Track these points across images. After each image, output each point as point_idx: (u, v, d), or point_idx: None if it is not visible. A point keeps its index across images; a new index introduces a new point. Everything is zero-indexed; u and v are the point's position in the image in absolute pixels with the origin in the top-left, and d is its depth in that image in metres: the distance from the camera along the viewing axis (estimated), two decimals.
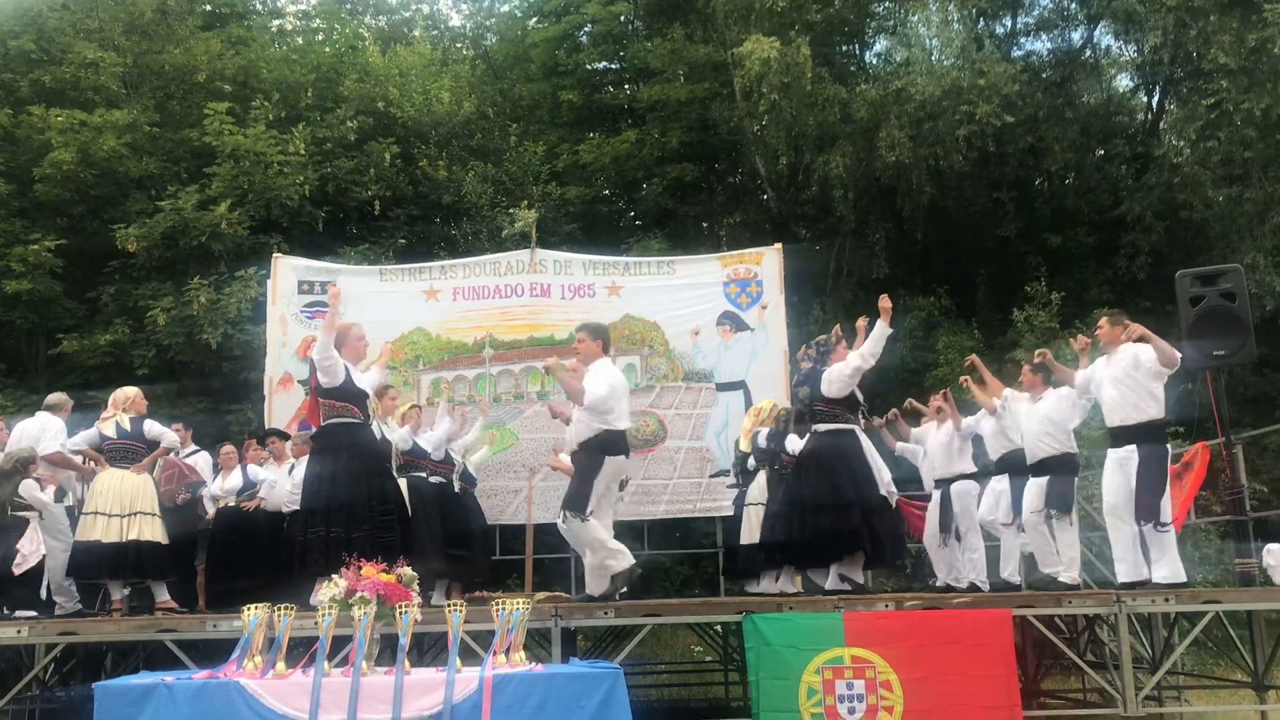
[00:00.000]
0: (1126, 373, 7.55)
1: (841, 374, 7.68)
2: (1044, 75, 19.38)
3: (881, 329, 7.55)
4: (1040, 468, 8.25)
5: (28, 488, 8.12)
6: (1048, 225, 18.75)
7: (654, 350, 11.53)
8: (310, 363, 7.57)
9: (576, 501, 7.25)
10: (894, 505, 8.12)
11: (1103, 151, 19.84)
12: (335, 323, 7.39)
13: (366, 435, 7.64)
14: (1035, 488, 8.30)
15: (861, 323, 7.99)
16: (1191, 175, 16.71)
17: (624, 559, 7.34)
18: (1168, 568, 7.35)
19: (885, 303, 7.62)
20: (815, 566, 8.26)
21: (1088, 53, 20.36)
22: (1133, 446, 7.49)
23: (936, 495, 9.34)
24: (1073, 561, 8.09)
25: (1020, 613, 7.04)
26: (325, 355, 7.26)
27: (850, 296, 18.58)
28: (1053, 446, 8.15)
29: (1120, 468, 7.55)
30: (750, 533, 9.36)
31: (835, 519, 7.60)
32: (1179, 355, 7.45)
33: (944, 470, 9.27)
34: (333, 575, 5.61)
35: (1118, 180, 19.01)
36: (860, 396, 7.94)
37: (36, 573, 8.10)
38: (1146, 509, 7.36)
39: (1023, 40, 20.52)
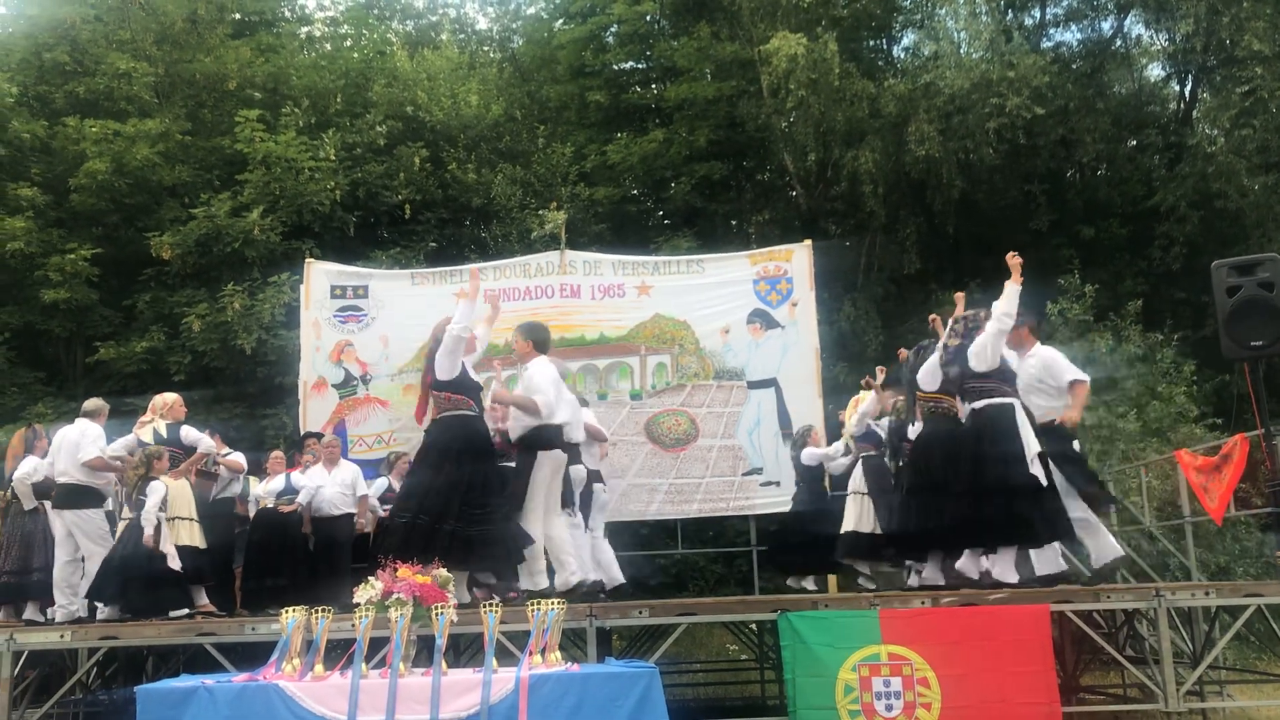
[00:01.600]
0: (1035, 377, 7.64)
1: (983, 345, 7.47)
2: (1074, 66, 19.22)
3: (1012, 288, 7.40)
4: None
5: (154, 487, 8.26)
6: (1080, 217, 18.59)
7: (684, 349, 11.51)
8: (429, 355, 7.53)
9: (515, 500, 7.26)
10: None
11: (1135, 142, 19.67)
12: (477, 297, 7.42)
13: (482, 429, 7.66)
14: None
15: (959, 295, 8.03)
16: (1226, 164, 16.51)
17: (566, 573, 7.36)
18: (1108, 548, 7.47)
19: (1014, 259, 7.46)
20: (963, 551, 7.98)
21: (1118, 42, 20.19)
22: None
23: None
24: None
25: (1058, 608, 6.98)
26: (463, 329, 7.27)
27: (881, 292, 18.50)
28: None
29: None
30: (856, 521, 9.28)
31: (981, 507, 7.43)
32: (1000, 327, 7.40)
33: None
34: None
35: (1151, 170, 18.83)
36: (1014, 365, 7.76)
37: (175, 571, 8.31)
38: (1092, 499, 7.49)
39: (1052, 31, 20.39)
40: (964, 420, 7.72)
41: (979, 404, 7.51)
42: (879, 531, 9.05)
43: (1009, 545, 7.42)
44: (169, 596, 8.14)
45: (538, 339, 7.74)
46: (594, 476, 8.85)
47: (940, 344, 7.94)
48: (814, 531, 9.88)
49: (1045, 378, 7.62)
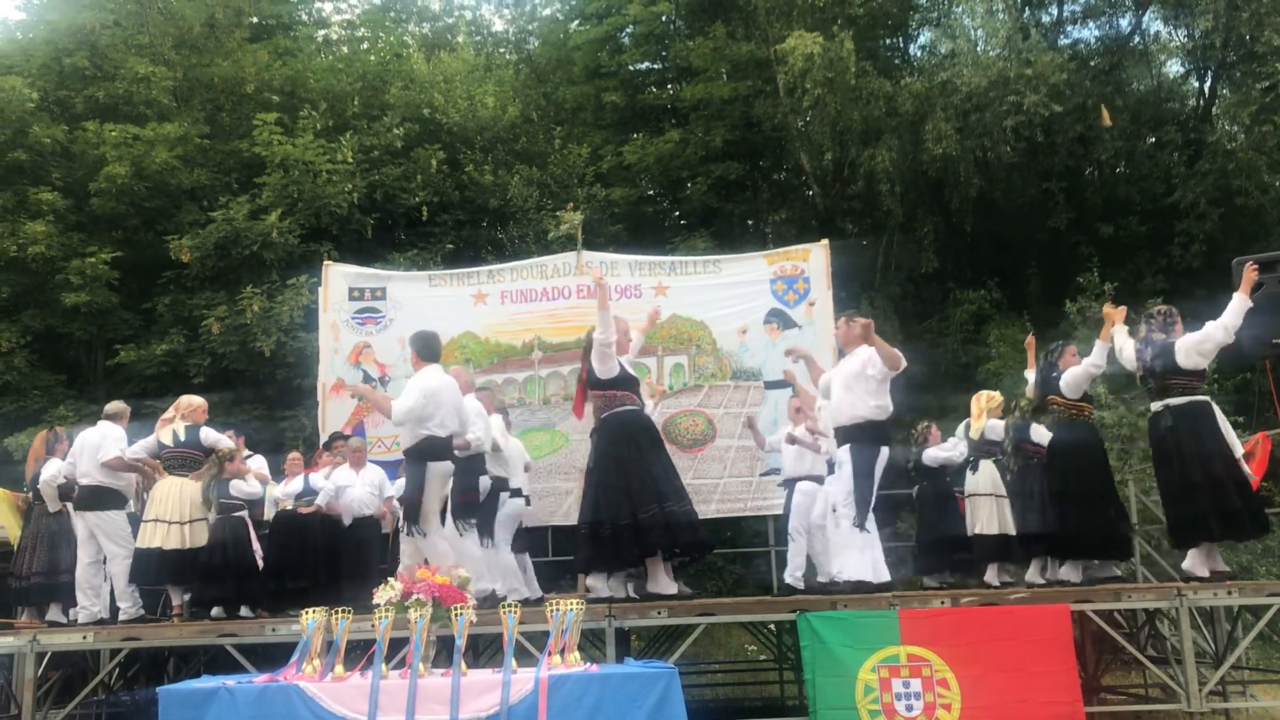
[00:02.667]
0: (855, 375, 7.45)
1: (1201, 347, 7.45)
2: (1092, 63, 19.11)
3: (1240, 300, 7.32)
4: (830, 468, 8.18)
5: (237, 486, 8.52)
6: (1099, 215, 18.50)
7: (701, 349, 11.51)
8: (586, 352, 7.59)
9: (411, 512, 7.23)
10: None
11: (1154, 139, 19.54)
12: (609, 304, 7.45)
13: (647, 420, 7.76)
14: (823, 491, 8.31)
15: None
16: (1246, 160, 16.41)
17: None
18: (856, 568, 7.26)
19: (1250, 272, 7.39)
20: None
21: (1136, 39, 20.07)
22: (847, 446, 7.42)
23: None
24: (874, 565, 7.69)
25: (1078, 608, 6.96)
26: (607, 336, 7.33)
27: (899, 291, 18.45)
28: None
29: (840, 469, 7.50)
30: (985, 523, 9.19)
31: (1184, 503, 7.46)
32: (902, 359, 7.31)
33: (793, 470, 9.27)
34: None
35: (1170, 167, 18.71)
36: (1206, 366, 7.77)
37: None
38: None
39: (1069, 28, 20.29)
40: (1157, 416, 7.72)
41: (1178, 400, 7.54)
42: (1012, 533, 9.03)
43: (1213, 539, 7.48)
44: (250, 592, 8.69)
45: (418, 348, 7.54)
46: (499, 484, 8.70)
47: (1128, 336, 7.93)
48: (942, 532, 9.78)
49: (868, 369, 7.38)
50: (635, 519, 7.17)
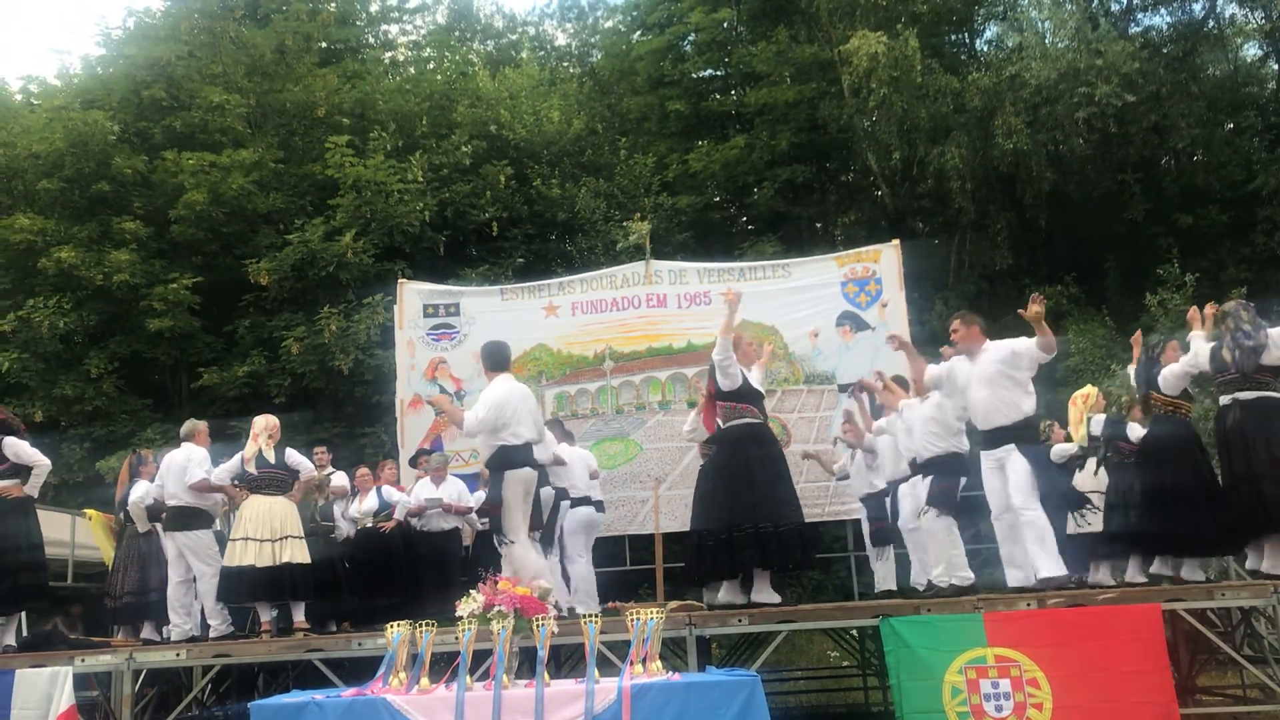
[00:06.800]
0: (1000, 371, 7.17)
1: (1277, 340, 7.32)
2: (1165, 50, 18.72)
3: None
4: (926, 468, 7.90)
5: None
6: (1177, 205, 18.10)
7: (774, 354, 11.45)
8: (710, 367, 7.69)
9: (496, 523, 7.26)
10: None
11: (1232, 125, 19.08)
12: (732, 326, 7.52)
13: (770, 435, 7.80)
14: (920, 487, 8.03)
15: None
16: None
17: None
18: (1049, 564, 7.02)
19: None
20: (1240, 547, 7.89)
21: (1210, 23, 19.63)
22: (1010, 446, 7.14)
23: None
24: (954, 564, 7.58)
25: (1169, 607, 6.78)
26: (725, 357, 7.43)
27: (974, 289, 18.20)
28: (938, 446, 7.75)
29: (999, 469, 7.21)
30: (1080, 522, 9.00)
31: (1244, 493, 7.32)
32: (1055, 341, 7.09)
33: (893, 471, 9.05)
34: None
35: (1250, 154, 18.25)
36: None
37: None
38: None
39: (1140, 16, 19.92)
40: (1224, 410, 7.58)
41: (1247, 395, 7.41)
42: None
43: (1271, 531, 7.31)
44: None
45: (484, 358, 7.63)
46: (560, 495, 8.76)
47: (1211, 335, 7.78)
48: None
49: (1014, 363, 7.19)
50: (730, 536, 7.22)
